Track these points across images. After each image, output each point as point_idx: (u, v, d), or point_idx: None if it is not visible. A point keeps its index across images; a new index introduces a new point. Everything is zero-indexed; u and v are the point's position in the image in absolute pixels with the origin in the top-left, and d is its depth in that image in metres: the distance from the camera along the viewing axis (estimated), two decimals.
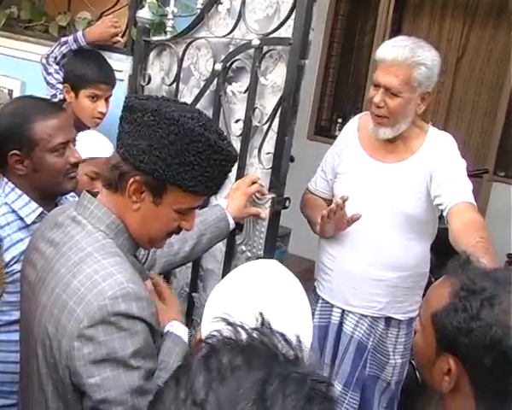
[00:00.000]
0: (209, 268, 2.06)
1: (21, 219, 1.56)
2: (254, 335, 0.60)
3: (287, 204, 1.89)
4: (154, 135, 1.09)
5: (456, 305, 1.00)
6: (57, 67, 2.32)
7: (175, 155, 1.09)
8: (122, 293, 1.07)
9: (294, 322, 0.90)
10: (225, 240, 1.94)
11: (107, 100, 2.23)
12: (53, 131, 1.54)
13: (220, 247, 2.01)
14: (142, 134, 1.10)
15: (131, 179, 1.13)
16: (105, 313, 1.05)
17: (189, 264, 2.06)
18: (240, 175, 1.92)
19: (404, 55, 1.85)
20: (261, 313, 0.64)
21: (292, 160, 1.91)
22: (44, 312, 1.13)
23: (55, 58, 2.32)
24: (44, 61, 2.33)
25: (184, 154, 1.09)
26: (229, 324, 0.61)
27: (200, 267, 2.08)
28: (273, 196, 1.83)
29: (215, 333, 0.61)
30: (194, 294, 2.07)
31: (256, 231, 1.87)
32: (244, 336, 0.60)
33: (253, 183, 1.79)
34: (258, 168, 1.92)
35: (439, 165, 1.89)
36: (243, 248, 1.92)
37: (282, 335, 0.61)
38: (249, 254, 1.89)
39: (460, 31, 4.46)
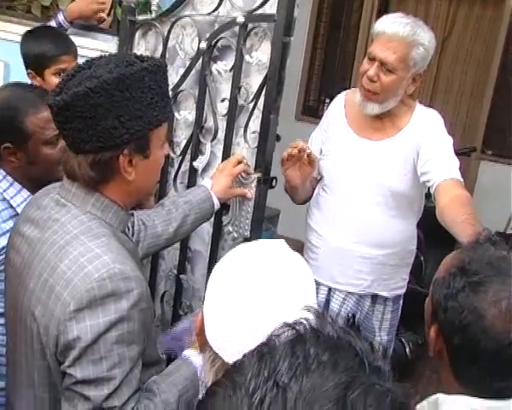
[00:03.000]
0: (197, 249, 2.05)
1: (12, 207, 1.56)
2: (342, 334, 0.60)
3: (273, 184, 1.86)
4: (112, 106, 1.07)
5: (445, 280, 1.02)
6: None
7: (139, 106, 1.10)
8: (109, 274, 1.06)
9: (298, 300, 0.89)
10: (212, 221, 1.93)
11: None
12: (45, 123, 1.52)
13: (208, 228, 1.99)
14: (100, 116, 1.07)
15: (121, 157, 1.12)
16: (92, 297, 1.05)
17: (177, 246, 2.05)
18: (226, 155, 1.90)
19: (405, 32, 1.82)
20: (353, 315, 0.64)
21: (278, 139, 1.88)
22: (32, 297, 1.12)
23: None
24: None
25: (142, 97, 1.10)
26: (318, 316, 0.61)
27: (187, 249, 2.07)
28: (259, 175, 1.80)
29: (303, 321, 0.60)
30: (182, 276, 2.06)
31: (242, 211, 1.85)
32: (332, 332, 0.59)
33: (239, 163, 1.76)
34: (244, 148, 1.90)
35: (425, 141, 1.87)
36: (230, 228, 1.90)
37: (370, 343, 0.60)
38: (236, 235, 1.88)
39: (447, 10, 4.45)
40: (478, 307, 0.96)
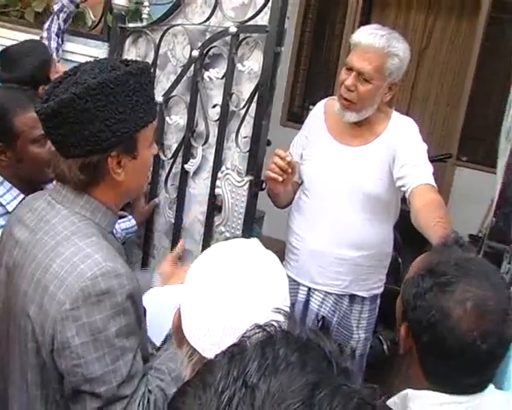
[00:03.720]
0: (187, 249, 2.07)
1: (2, 205, 1.56)
2: (312, 336, 0.59)
3: (264, 186, 1.92)
4: (98, 110, 1.08)
5: (414, 280, 1.04)
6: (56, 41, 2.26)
7: (124, 109, 1.10)
8: (101, 272, 1.06)
9: (272, 298, 0.91)
10: (204, 222, 1.96)
11: None
12: (33, 122, 1.52)
13: (198, 228, 2.03)
14: (86, 121, 1.08)
15: (109, 159, 1.13)
16: (86, 294, 1.05)
17: (168, 245, 2.08)
18: (217, 158, 1.94)
19: (380, 44, 1.86)
20: (322, 316, 0.65)
21: (269, 143, 1.93)
22: (25, 298, 1.12)
23: (59, 28, 2.25)
24: (45, 34, 2.27)
25: (127, 100, 1.10)
26: (288, 317, 0.61)
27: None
28: (251, 178, 1.85)
29: (273, 323, 0.60)
30: None
31: (235, 212, 1.90)
32: (301, 333, 0.59)
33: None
34: (236, 152, 1.94)
35: (401, 148, 1.91)
36: (222, 229, 1.95)
37: (339, 344, 0.60)
38: (228, 235, 1.93)
39: (424, 23, 4.51)
40: (444, 306, 0.98)
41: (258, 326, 0.60)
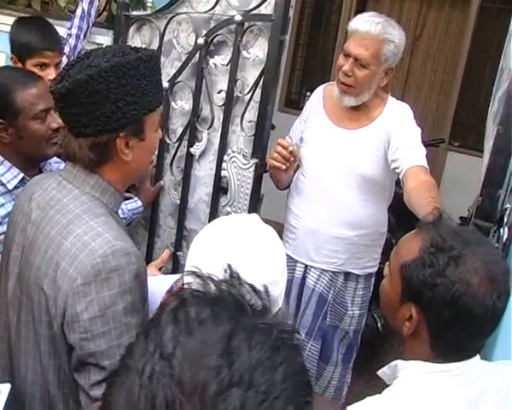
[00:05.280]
0: (192, 228, 2.10)
1: (3, 184, 1.56)
2: (223, 286, 0.57)
3: (267, 168, 1.96)
4: (110, 92, 1.09)
5: (425, 260, 1.02)
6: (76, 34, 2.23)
7: (134, 92, 1.12)
8: (112, 250, 1.08)
9: (269, 272, 0.92)
10: (209, 202, 1.98)
11: (56, 66, 2.04)
12: (34, 99, 1.53)
13: (204, 208, 2.05)
14: (99, 101, 1.09)
15: (118, 140, 1.14)
16: (97, 271, 1.06)
17: (173, 225, 2.10)
18: (223, 142, 1.96)
19: (376, 31, 1.87)
20: (229, 265, 0.61)
21: (273, 127, 1.95)
22: (39, 273, 1.13)
23: (83, 12, 2.22)
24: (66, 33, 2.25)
25: (137, 84, 1.12)
26: (198, 276, 0.58)
27: (183, 228, 2.11)
28: (256, 161, 1.88)
29: (185, 286, 0.58)
30: (178, 253, 2.11)
31: (241, 193, 1.93)
32: (213, 288, 0.57)
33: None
34: (241, 136, 1.96)
35: (396, 131, 1.92)
36: (228, 209, 1.98)
37: (251, 285, 0.58)
38: None
39: (418, 12, 4.51)
40: (465, 277, 0.98)
41: (171, 295, 0.58)
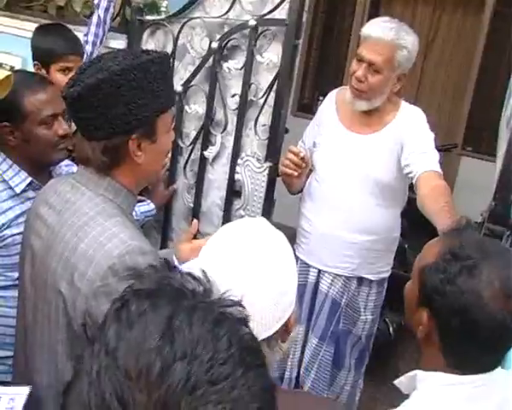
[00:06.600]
0: (206, 232, 2.09)
1: (11, 188, 1.56)
2: (160, 279, 0.58)
3: (280, 174, 1.96)
4: (121, 95, 1.09)
5: (439, 265, 1.01)
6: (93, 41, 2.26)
7: (145, 94, 1.12)
8: (127, 250, 1.08)
9: (278, 277, 0.91)
10: (222, 206, 1.98)
11: None
12: (41, 104, 1.53)
13: (217, 212, 2.06)
14: (110, 104, 1.10)
15: (130, 142, 1.14)
16: (115, 271, 1.07)
17: (186, 228, 2.09)
18: (236, 146, 1.96)
19: (389, 36, 1.87)
20: (166, 260, 0.62)
21: (287, 131, 1.95)
22: (55, 276, 1.13)
23: (99, 19, 2.23)
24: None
25: (148, 86, 1.12)
26: (138, 276, 0.59)
27: (197, 232, 2.11)
28: (270, 164, 1.88)
29: (128, 288, 0.58)
30: None
31: (254, 197, 1.93)
32: (151, 283, 0.58)
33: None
34: (255, 140, 1.96)
35: (409, 136, 1.92)
36: (242, 212, 1.98)
37: (189, 273, 0.59)
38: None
39: (431, 16, 4.48)
40: (476, 288, 0.96)
41: (114, 300, 0.58)
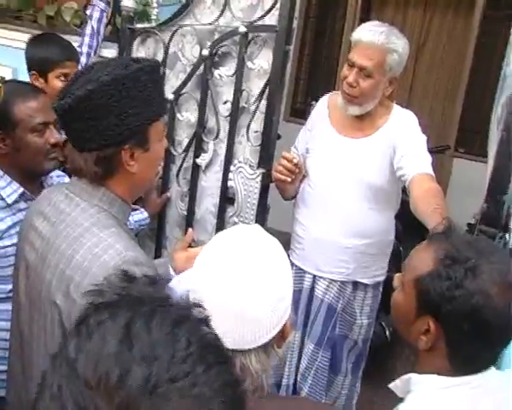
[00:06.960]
0: (200, 239, 2.09)
1: (3, 199, 1.55)
2: (119, 290, 0.58)
3: (273, 180, 1.96)
4: (111, 105, 1.08)
5: (441, 272, 0.99)
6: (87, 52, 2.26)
7: (136, 103, 1.11)
8: (123, 261, 1.07)
9: (275, 283, 0.91)
10: (216, 213, 1.97)
11: None
12: (33, 111, 1.53)
13: (211, 219, 2.05)
14: (101, 116, 1.09)
15: (123, 152, 1.13)
16: None
17: (180, 236, 2.09)
18: (229, 152, 1.95)
19: (380, 40, 1.87)
20: (125, 271, 0.61)
21: (279, 137, 1.95)
22: (50, 288, 1.12)
23: (92, 30, 2.23)
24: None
25: (139, 95, 1.11)
26: (97, 292, 0.59)
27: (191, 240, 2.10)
28: (263, 171, 1.87)
29: (88, 305, 0.58)
30: None
31: (247, 203, 1.92)
32: (111, 295, 0.58)
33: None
34: (247, 146, 1.96)
35: (401, 139, 1.92)
36: (235, 219, 1.97)
37: (148, 280, 0.60)
38: None
39: (421, 20, 4.51)
40: (483, 288, 0.96)
41: (77, 319, 0.57)
